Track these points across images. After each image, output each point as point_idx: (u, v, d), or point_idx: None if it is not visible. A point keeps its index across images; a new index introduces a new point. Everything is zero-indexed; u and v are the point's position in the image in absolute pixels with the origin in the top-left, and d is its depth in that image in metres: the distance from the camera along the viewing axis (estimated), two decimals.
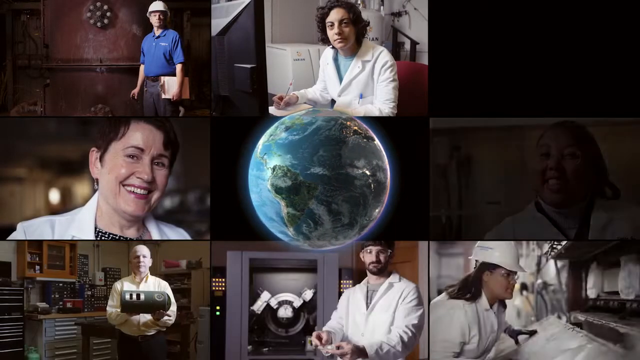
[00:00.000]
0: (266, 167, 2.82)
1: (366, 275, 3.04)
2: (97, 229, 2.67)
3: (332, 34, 3.54)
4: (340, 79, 3.67)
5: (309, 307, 4.26)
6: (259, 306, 4.19)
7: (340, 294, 3.83)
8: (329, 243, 2.93)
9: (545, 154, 2.56)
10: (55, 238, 2.68)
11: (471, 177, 4.75)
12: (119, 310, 3.54)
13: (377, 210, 2.93)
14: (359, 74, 3.59)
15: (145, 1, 4.45)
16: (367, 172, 2.85)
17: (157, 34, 4.38)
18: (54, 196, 4.27)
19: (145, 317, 3.55)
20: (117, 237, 2.69)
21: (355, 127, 2.91)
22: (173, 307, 3.61)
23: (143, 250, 3.69)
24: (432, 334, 3.01)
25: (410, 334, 2.77)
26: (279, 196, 2.79)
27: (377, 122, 3.12)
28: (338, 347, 2.69)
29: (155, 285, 3.70)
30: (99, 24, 4.66)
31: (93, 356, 4.72)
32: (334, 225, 2.82)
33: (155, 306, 3.50)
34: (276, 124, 2.92)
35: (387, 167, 2.97)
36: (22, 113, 4.76)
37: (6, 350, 4.30)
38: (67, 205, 4.14)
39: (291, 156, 2.77)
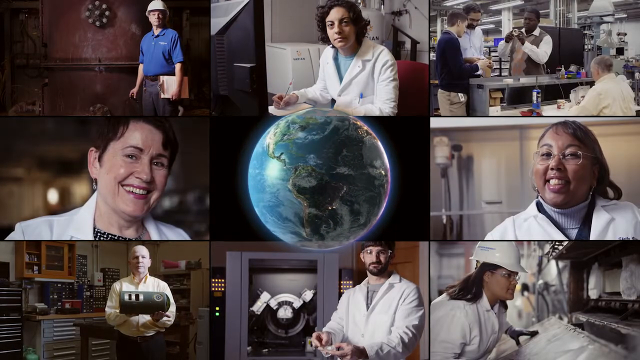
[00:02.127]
0: (285, 166, 2.76)
1: (366, 276, 3.03)
2: (96, 229, 2.65)
3: (332, 33, 3.52)
4: (341, 78, 3.66)
5: (309, 307, 4.25)
6: (258, 307, 4.17)
7: (340, 294, 3.81)
8: (339, 243, 2.91)
9: (547, 154, 2.54)
10: (54, 238, 2.66)
11: (471, 177, 4.75)
12: (117, 311, 3.52)
13: (382, 210, 2.93)
14: (359, 73, 3.57)
15: (144, 0, 4.43)
16: (383, 172, 2.84)
17: (156, 33, 4.36)
18: (53, 196, 4.25)
19: (145, 318, 3.53)
20: (116, 238, 2.67)
21: (365, 128, 2.90)
22: (172, 308, 3.60)
23: (142, 251, 3.68)
24: (432, 334, 2.99)
25: (410, 334, 2.76)
26: (301, 196, 2.75)
27: (377, 122, 3.11)
28: (338, 348, 2.67)
29: (154, 286, 3.68)
30: (97, 23, 4.64)
31: (92, 357, 4.70)
32: (351, 225, 2.80)
33: (155, 307, 3.49)
34: (286, 123, 2.86)
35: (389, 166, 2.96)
36: (20, 112, 4.74)
37: (4, 351, 4.28)
38: (65, 205, 4.12)
39: (315, 156, 2.73)
